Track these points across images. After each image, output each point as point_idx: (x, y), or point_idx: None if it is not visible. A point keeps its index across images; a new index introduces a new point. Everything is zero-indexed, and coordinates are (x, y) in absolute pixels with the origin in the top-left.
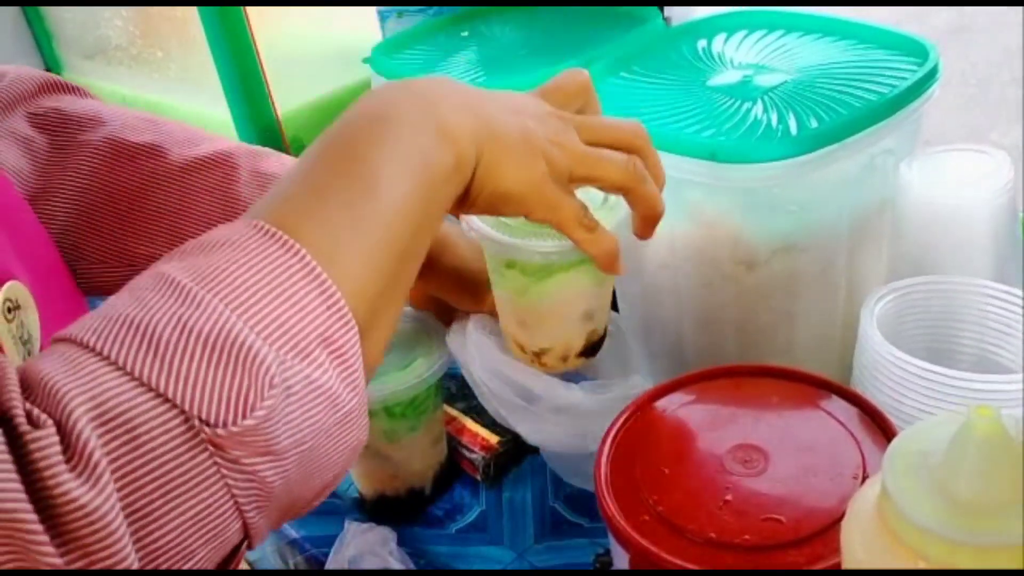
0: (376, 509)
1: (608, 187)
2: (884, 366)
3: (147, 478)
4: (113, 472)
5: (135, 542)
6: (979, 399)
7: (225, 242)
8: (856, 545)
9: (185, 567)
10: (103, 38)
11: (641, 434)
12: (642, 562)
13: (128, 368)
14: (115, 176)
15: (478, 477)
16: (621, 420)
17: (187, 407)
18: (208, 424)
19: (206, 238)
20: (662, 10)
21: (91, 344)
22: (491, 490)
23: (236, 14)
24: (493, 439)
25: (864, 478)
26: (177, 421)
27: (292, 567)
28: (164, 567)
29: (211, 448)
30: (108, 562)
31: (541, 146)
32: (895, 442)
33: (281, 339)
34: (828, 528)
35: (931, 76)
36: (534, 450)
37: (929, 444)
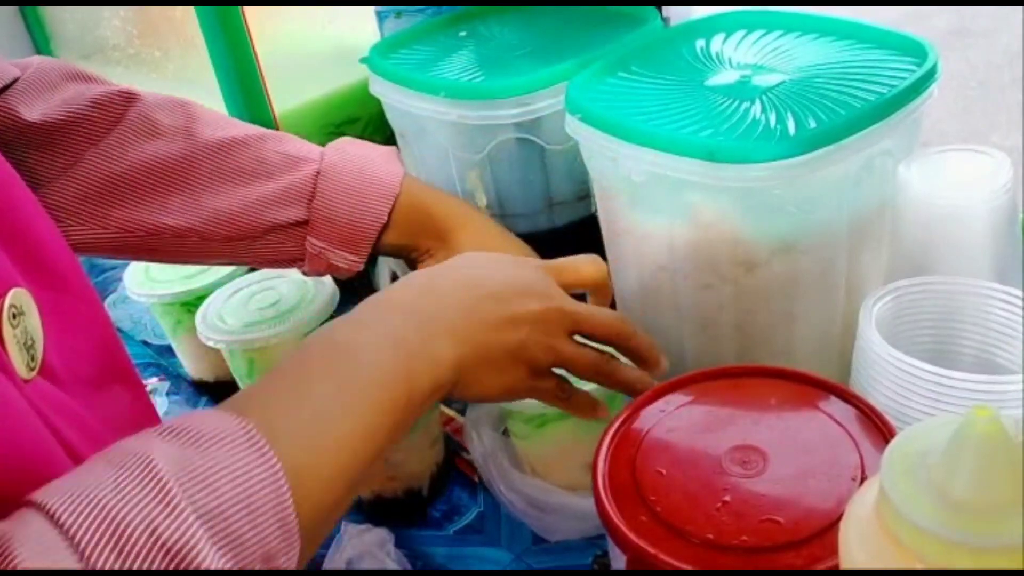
0: (373, 510)
1: (581, 377)
2: (883, 367)
3: None
4: None
5: None
6: (978, 400)
7: (214, 438)
8: (854, 546)
9: None
10: (101, 38)
11: (639, 435)
12: (640, 564)
13: (91, 561)
14: (148, 152)
15: (476, 478)
16: (619, 421)
17: None
18: None
19: (197, 425)
20: (660, 10)
21: (62, 522)
22: (489, 491)
23: (234, 14)
24: None
25: (862, 479)
26: None
27: None
28: None
29: None
30: None
31: (527, 355)
32: (893, 443)
33: (234, 553)
34: (827, 529)
35: (930, 76)
36: None
37: (928, 445)
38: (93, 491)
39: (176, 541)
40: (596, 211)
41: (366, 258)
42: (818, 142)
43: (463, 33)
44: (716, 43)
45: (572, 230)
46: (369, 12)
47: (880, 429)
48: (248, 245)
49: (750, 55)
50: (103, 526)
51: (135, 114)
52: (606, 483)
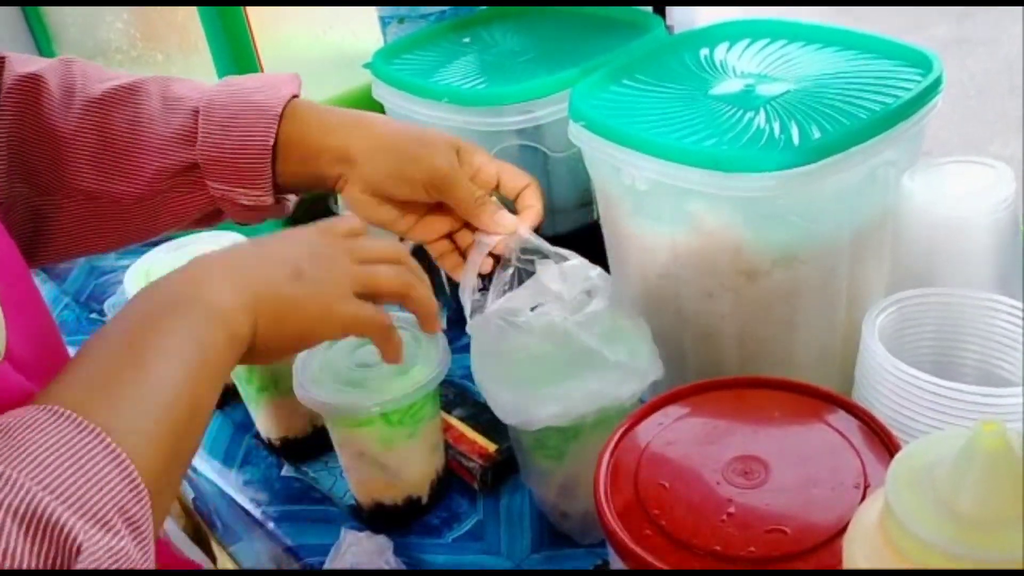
0: (373, 518)
1: (386, 296)
2: (885, 378)
3: None
4: None
5: None
6: (980, 412)
7: (26, 426)
8: (859, 560)
9: None
10: (103, 40)
11: (640, 448)
12: None
13: None
14: (35, 112)
15: (475, 485)
16: (620, 432)
17: None
18: None
19: (4, 422)
20: (665, 18)
21: None
22: (488, 499)
23: (237, 18)
24: (491, 447)
25: (865, 487)
26: None
27: None
28: None
29: None
30: None
31: (316, 280)
32: (899, 456)
33: (87, 512)
34: (833, 538)
35: (934, 87)
36: None
37: (933, 458)
38: None
39: (23, 507)
40: (598, 218)
41: (271, 191)
42: (822, 152)
43: (466, 39)
44: (720, 52)
45: (574, 237)
46: (372, 17)
47: (882, 440)
48: (160, 203)
49: (754, 64)
50: None
51: (11, 78)
52: (608, 497)
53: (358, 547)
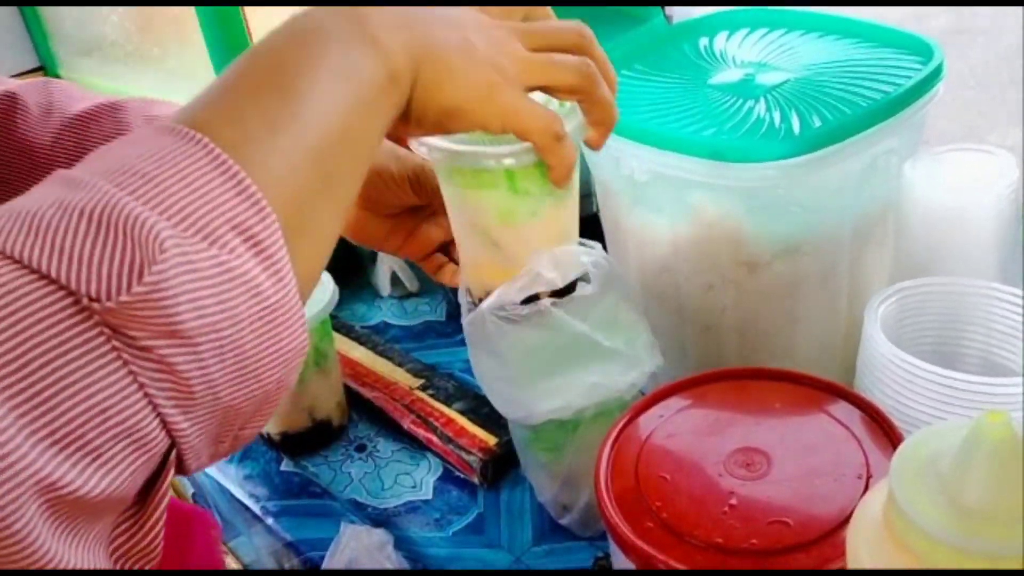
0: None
1: (563, 92)
2: (887, 368)
3: (32, 364)
4: None
5: (27, 435)
6: (982, 402)
7: (124, 140)
8: (862, 552)
9: (95, 464)
10: (99, 35)
11: (640, 440)
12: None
13: (14, 254)
14: (10, 128)
15: (476, 479)
16: (620, 425)
17: (71, 284)
18: (96, 300)
19: (102, 147)
20: (664, 8)
21: None
22: (489, 492)
23: (233, 11)
24: (491, 440)
25: (868, 478)
26: (64, 301)
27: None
28: (66, 461)
29: (106, 329)
30: None
31: (485, 56)
32: (902, 447)
33: (181, 219)
34: (835, 530)
35: (935, 75)
36: None
37: (937, 449)
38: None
39: (94, 207)
40: (598, 210)
41: None
42: (822, 141)
43: None
44: (719, 41)
45: None
46: None
47: (884, 430)
48: None
49: (754, 53)
50: (8, 220)
51: None
52: (609, 489)
53: (358, 541)
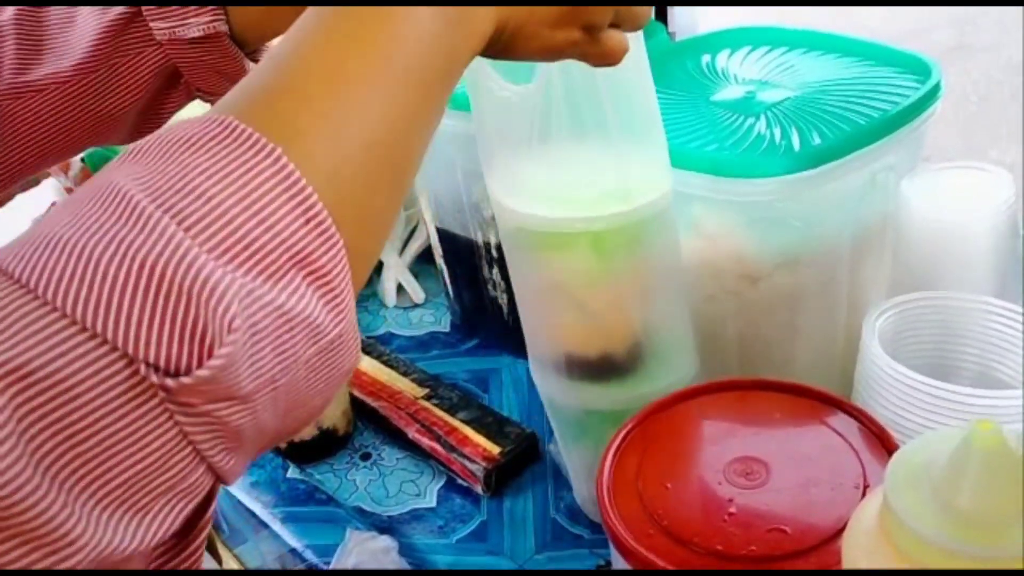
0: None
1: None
2: (885, 381)
3: (79, 427)
4: (26, 427)
5: (65, 503)
6: (978, 414)
7: (187, 141)
8: (858, 558)
9: (142, 520)
10: None
11: (643, 448)
12: None
13: (56, 303)
14: None
15: (479, 487)
16: (622, 434)
17: (128, 349)
18: (156, 369)
19: (164, 135)
20: (667, 25)
21: (12, 271)
22: (492, 500)
23: None
24: (494, 449)
25: (865, 487)
26: (118, 366)
27: None
28: (112, 523)
29: (161, 393)
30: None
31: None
32: (897, 455)
33: (248, 261)
34: (832, 538)
35: (933, 94)
36: (535, 461)
37: (930, 457)
38: (43, 231)
39: (160, 260)
40: None
41: (223, 14)
42: (822, 158)
43: None
44: (722, 59)
45: None
46: None
47: (882, 442)
48: (109, 74)
49: (755, 71)
50: (61, 260)
51: None
52: (611, 498)
53: (362, 547)
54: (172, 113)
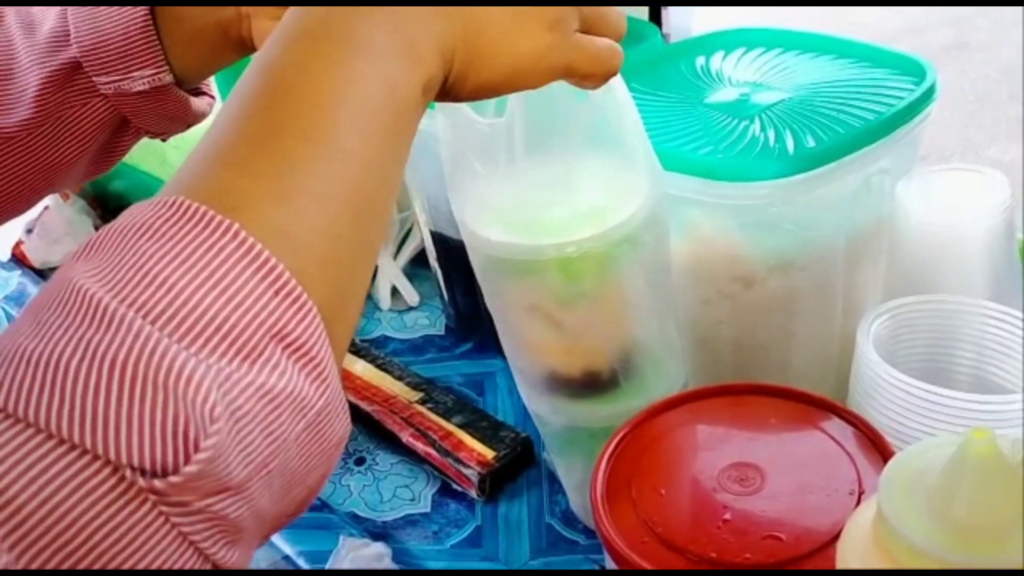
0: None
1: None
2: (880, 385)
3: (76, 552)
4: (19, 555)
5: None
6: (976, 419)
7: (141, 228)
8: (853, 566)
9: None
10: None
11: (637, 455)
12: None
13: (29, 418)
14: None
15: (474, 492)
16: (616, 441)
17: (109, 455)
18: (143, 472)
19: (117, 224)
20: (661, 27)
21: None
22: (487, 505)
23: None
24: (489, 454)
25: (860, 494)
26: (103, 475)
27: None
28: None
29: (151, 496)
30: None
31: (536, 15)
32: (891, 463)
33: (221, 345)
34: (827, 545)
35: (928, 96)
36: (530, 465)
37: (925, 465)
38: (7, 344)
39: (131, 357)
40: None
41: (167, 67)
42: (817, 161)
43: None
44: (716, 61)
45: None
46: None
47: (877, 446)
48: (57, 126)
49: (749, 73)
50: (29, 373)
51: None
52: (605, 505)
53: (356, 554)
54: (125, 152)
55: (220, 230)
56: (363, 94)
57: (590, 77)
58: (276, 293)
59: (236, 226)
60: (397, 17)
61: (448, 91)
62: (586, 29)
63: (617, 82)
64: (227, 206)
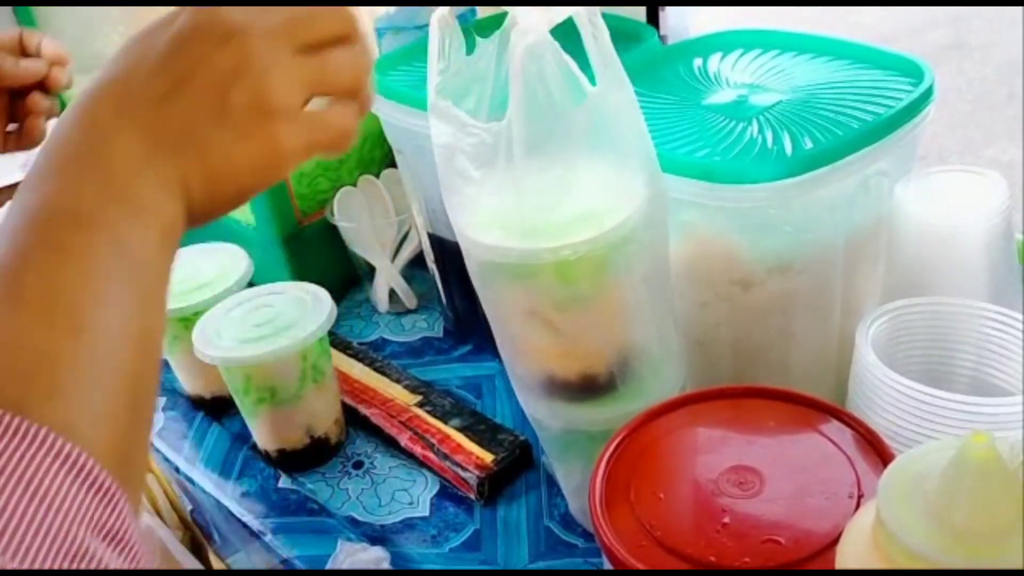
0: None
1: (340, 94)
2: (879, 388)
3: None
4: None
5: None
6: (974, 422)
7: None
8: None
9: None
10: (99, 53)
11: (635, 458)
12: None
13: None
14: None
15: (473, 496)
16: (614, 444)
17: None
18: None
19: None
20: (658, 28)
21: None
22: (486, 509)
23: None
24: (487, 457)
25: (859, 497)
26: None
27: None
28: None
29: None
30: None
31: (249, 116)
32: (890, 468)
33: (58, 556)
34: (827, 548)
35: (926, 97)
36: (529, 468)
37: (924, 469)
38: None
39: None
40: None
41: None
42: (815, 163)
43: None
44: (713, 62)
45: None
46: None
47: (876, 450)
48: None
49: (747, 74)
50: None
51: None
52: (603, 508)
53: (354, 559)
54: None
55: (37, 442)
56: (101, 274)
57: (334, 146)
58: (90, 489)
59: (56, 438)
60: (103, 175)
61: (204, 215)
62: (318, 82)
63: (622, 82)
64: (24, 408)
